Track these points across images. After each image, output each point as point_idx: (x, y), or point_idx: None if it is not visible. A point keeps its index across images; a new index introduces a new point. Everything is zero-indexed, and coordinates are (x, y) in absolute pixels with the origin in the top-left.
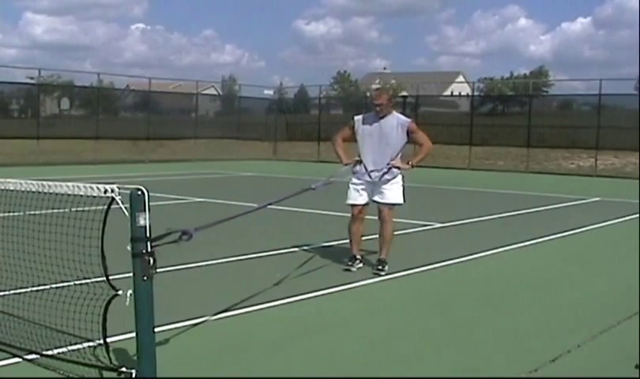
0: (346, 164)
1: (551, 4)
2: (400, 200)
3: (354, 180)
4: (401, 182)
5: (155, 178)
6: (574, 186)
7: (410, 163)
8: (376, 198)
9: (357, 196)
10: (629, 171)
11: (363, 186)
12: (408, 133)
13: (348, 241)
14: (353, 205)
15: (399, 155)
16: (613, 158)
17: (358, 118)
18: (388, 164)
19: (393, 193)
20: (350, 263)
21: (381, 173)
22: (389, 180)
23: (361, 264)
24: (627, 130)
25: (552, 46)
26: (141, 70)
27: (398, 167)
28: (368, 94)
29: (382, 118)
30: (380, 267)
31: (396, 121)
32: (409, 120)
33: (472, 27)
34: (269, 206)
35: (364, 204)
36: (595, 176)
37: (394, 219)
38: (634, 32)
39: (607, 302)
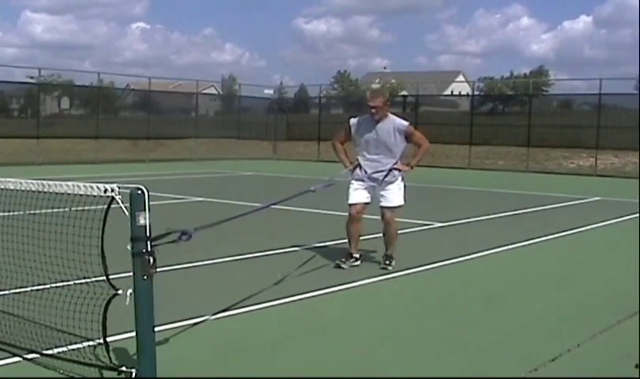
0: (349, 169)
1: (554, 2)
2: (402, 202)
3: (353, 181)
4: (402, 184)
5: (155, 177)
6: (574, 186)
7: (410, 164)
8: (379, 201)
9: (356, 195)
10: (629, 171)
11: (363, 187)
12: (406, 136)
13: (347, 241)
14: (352, 205)
15: (399, 158)
16: (613, 157)
17: (354, 121)
18: (389, 168)
19: (394, 195)
20: (344, 260)
21: (381, 176)
22: (390, 182)
23: (357, 263)
24: (627, 130)
25: (553, 45)
26: (141, 69)
27: (399, 170)
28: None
29: (379, 121)
30: (387, 262)
31: (392, 125)
32: (406, 123)
33: (473, 26)
34: (270, 206)
35: (363, 204)
36: (595, 176)
37: (396, 219)
38: (634, 31)
39: (607, 302)
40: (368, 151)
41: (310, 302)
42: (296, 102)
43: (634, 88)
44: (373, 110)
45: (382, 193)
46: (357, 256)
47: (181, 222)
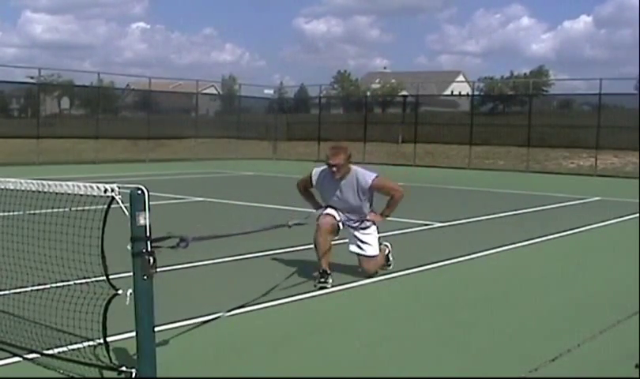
0: (318, 208)
1: (554, 2)
2: (378, 252)
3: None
4: (375, 232)
5: (155, 177)
6: (574, 186)
7: (382, 214)
8: (353, 248)
9: (330, 212)
10: (629, 171)
11: (335, 211)
12: (374, 190)
13: (347, 240)
14: (324, 215)
15: (367, 211)
16: (613, 157)
17: (315, 174)
18: (360, 220)
19: (370, 246)
20: (323, 279)
21: (355, 224)
22: (366, 227)
23: (330, 280)
24: (627, 130)
25: (553, 45)
26: (141, 69)
27: (372, 221)
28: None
29: (341, 178)
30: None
31: (355, 183)
32: (372, 177)
33: (473, 26)
34: (265, 206)
35: (335, 220)
36: (595, 176)
37: (389, 218)
38: (634, 31)
39: (607, 302)
40: (334, 204)
41: (310, 302)
42: (296, 102)
43: (634, 88)
44: (334, 169)
45: (360, 237)
46: (329, 271)
47: (181, 222)
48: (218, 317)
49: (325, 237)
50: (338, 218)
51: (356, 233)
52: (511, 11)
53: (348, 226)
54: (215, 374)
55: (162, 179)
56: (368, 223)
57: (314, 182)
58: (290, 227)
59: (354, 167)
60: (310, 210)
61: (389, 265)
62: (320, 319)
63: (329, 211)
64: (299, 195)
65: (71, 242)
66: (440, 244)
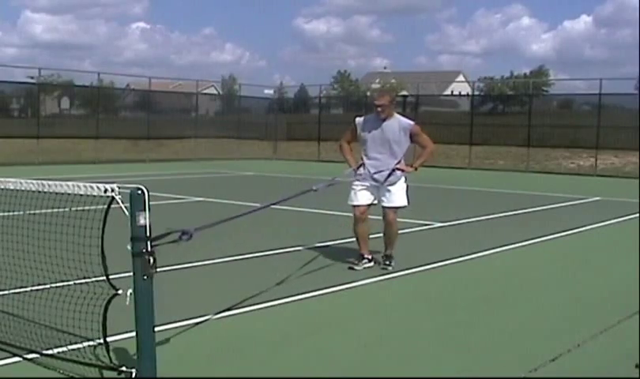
0: (353, 168)
1: (554, 2)
2: (405, 203)
3: (356, 182)
4: (405, 185)
5: (155, 177)
6: (574, 186)
7: (413, 165)
8: (382, 201)
9: (359, 197)
10: (629, 171)
11: (364, 188)
12: (411, 135)
13: (348, 240)
14: (355, 206)
15: (402, 158)
16: (613, 157)
17: (359, 120)
18: (392, 168)
19: (397, 196)
20: (356, 262)
21: (385, 176)
22: (393, 183)
23: (370, 264)
24: (627, 130)
25: (554, 45)
26: (141, 69)
27: (402, 170)
28: (368, 93)
29: (384, 120)
30: (387, 262)
31: (398, 124)
32: (412, 123)
33: (473, 25)
34: (270, 206)
35: (367, 205)
36: (595, 176)
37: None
38: (634, 31)
39: (607, 302)
40: (373, 149)
41: (310, 302)
42: (296, 102)
43: (634, 88)
44: (379, 109)
45: (385, 193)
46: (369, 257)
47: (181, 222)
48: (218, 317)
49: (361, 225)
50: (367, 201)
51: (385, 191)
52: (511, 11)
53: (377, 184)
54: (215, 374)
55: (162, 179)
56: (399, 175)
57: (358, 128)
58: (316, 190)
59: (396, 114)
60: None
61: (390, 266)
62: (320, 319)
63: (359, 199)
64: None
65: (71, 242)
66: (440, 244)
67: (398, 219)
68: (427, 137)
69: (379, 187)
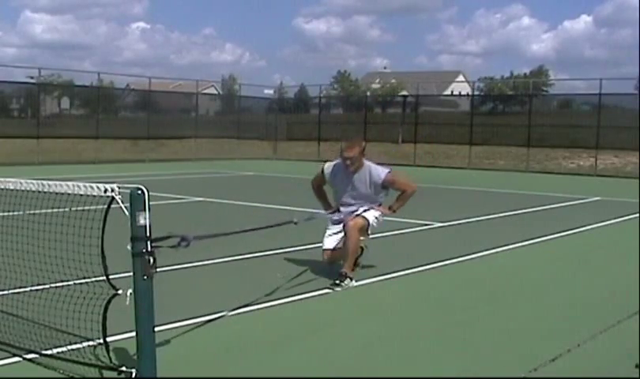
0: (327, 211)
1: (554, 2)
2: (369, 218)
3: (330, 225)
4: (381, 218)
5: (155, 177)
6: (574, 186)
7: (392, 208)
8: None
9: (330, 241)
10: (629, 171)
11: (333, 232)
12: (385, 186)
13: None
14: (325, 250)
15: (378, 204)
16: (613, 157)
17: (327, 170)
18: (369, 208)
19: (357, 210)
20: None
21: (361, 210)
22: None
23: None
24: (627, 130)
25: (554, 45)
26: (141, 69)
27: (380, 212)
28: (368, 93)
29: (354, 172)
30: (338, 281)
31: (368, 177)
32: (384, 173)
33: (473, 25)
34: (266, 207)
35: (331, 249)
36: (595, 176)
37: (386, 218)
38: (634, 31)
39: (607, 302)
40: (345, 198)
41: (310, 302)
42: (296, 102)
43: (634, 88)
44: (348, 162)
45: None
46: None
47: (181, 222)
48: (218, 317)
49: (330, 264)
50: (332, 246)
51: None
52: (511, 11)
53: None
54: (215, 374)
55: (162, 179)
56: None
57: (326, 176)
58: (296, 223)
59: (367, 162)
60: (316, 210)
61: (340, 287)
62: (320, 319)
63: (328, 244)
64: (312, 193)
65: (71, 242)
66: (440, 244)
67: (397, 219)
68: (404, 181)
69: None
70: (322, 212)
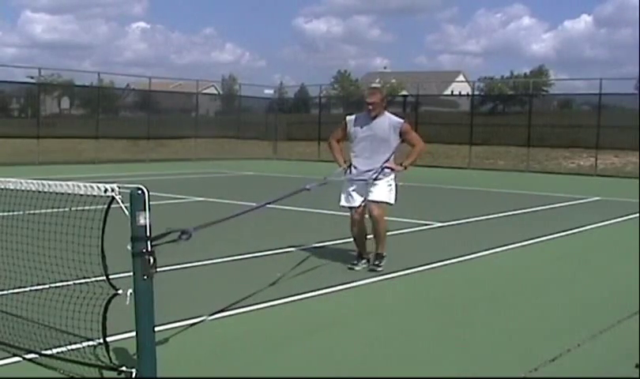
0: (342, 168)
1: (555, 2)
2: (389, 199)
3: (346, 183)
4: (393, 183)
5: (155, 177)
6: (574, 186)
7: (403, 164)
8: (367, 196)
9: (349, 198)
10: (629, 171)
11: (354, 188)
12: (401, 134)
13: (346, 240)
14: (351, 208)
15: (392, 157)
16: (613, 157)
17: (350, 118)
18: (381, 166)
19: (381, 190)
20: (355, 262)
21: (373, 173)
22: (379, 179)
23: (366, 264)
24: (627, 130)
25: (554, 44)
26: (141, 69)
27: (391, 168)
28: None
29: (375, 118)
30: (377, 262)
31: (388, 122)
32: (402, 121)
33: (473, 25)
34: (267, 205)
35: (358, 206)
36: (595, 176)
37: (387, 218)
38: (634, 31)
39: (607, 302)
40: (362, 147)
41: (310, 302)
42: (296, 102)
43: (634, 88)
44: (370, 107)
45: (371, 188)
46: (368, 257)
47: (181, 222)
48: (218, 317)
49: (357, 227)
50: (360, 203)
51: (371, 187)
52: (512, 11)
53: (365, 182)
54: (215, 374)
55: (162, 179)
56: (387, 173)
57: (349, 126)
58: (309, 189)
59: (387, 112)
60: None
61: (380, 267)
62: (320, 319)
63: (355, 201)
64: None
65: (71, 242)
66: (440, 244)
67: (397, 219)
68: (416, 136)
69: (367, 184)
70: (332, 178)
